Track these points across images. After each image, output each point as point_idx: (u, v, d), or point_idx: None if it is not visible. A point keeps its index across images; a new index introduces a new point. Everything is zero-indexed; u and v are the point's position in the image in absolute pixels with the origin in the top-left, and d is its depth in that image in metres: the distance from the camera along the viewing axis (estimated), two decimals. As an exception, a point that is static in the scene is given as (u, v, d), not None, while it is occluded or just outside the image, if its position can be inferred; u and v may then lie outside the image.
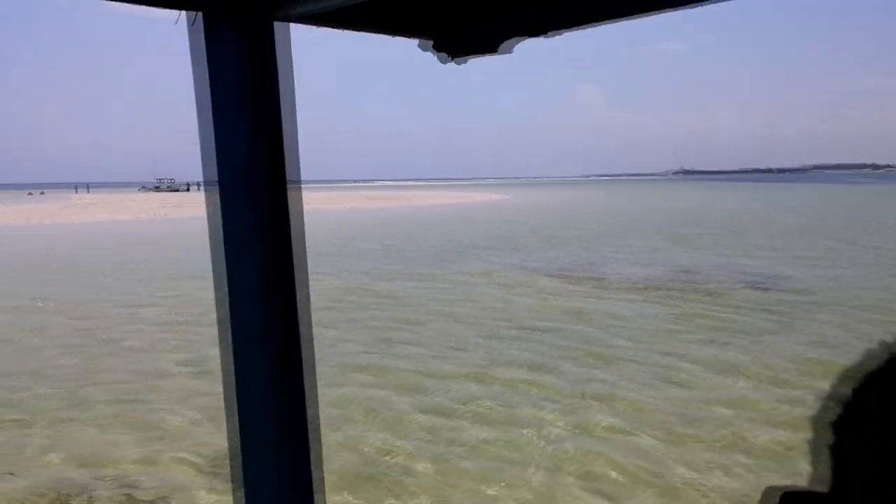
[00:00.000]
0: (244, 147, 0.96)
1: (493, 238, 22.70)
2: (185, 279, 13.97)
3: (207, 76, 0.95)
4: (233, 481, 1.03)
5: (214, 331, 1.05)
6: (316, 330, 1.09)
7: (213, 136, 0.95)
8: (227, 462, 4.90)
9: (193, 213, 43.71)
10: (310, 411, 1.04)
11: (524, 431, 5.75)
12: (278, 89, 0.98)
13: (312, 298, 1.06)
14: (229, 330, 0.99)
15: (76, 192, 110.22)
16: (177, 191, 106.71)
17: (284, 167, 0.98)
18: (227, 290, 0.98)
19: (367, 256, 17.83)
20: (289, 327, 1.00)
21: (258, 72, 0.96)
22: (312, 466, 1.04)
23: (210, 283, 1.00)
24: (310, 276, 1.03)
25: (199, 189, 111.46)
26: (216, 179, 0.96)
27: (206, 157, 0.96)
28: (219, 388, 1.03)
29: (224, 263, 0.98)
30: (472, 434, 5.70)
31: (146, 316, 10.60)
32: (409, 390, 6.83)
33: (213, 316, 1.02)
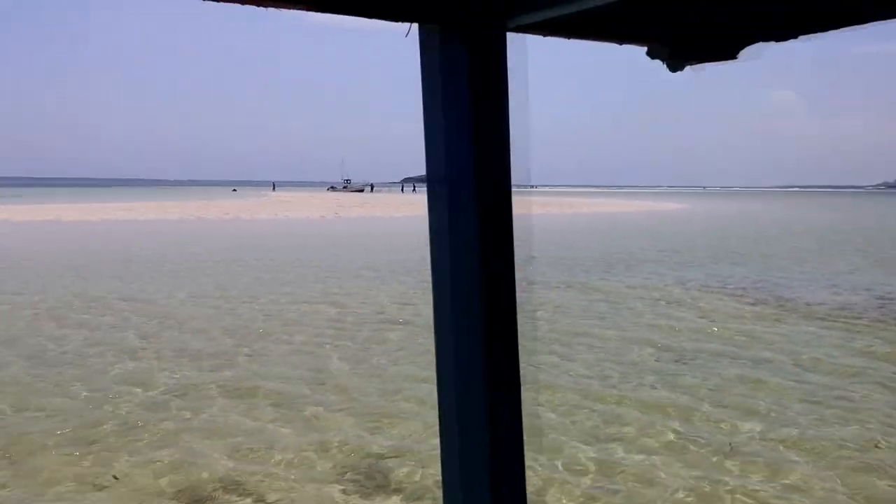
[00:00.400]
0: (469, 152, 0.99)
1: (664, 251, 21.65)
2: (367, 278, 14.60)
3: (439, 85, 0.99)
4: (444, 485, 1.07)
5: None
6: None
7: (442, 142, 1.00)
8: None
9: (368, 213, 45.82)
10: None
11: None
12: (507, 98, 1.01)
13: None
14: (449, 331, 1.03)
15: (273, 189, 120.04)
16: (361, 191, 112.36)
17: (510, 174, 1.02)
18: (448, 290, 1.03)
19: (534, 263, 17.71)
20: (508, 330, 1.04)
21: (490, 82, 1.00)
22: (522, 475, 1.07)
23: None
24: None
25: (376, 189, 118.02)
26: (439, 181, 1.01)
27: (432, 162, 1.01)
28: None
29: (446, 263, 1.02)
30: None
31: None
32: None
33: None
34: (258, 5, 0.91)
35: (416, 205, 58.18)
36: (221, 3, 0.90)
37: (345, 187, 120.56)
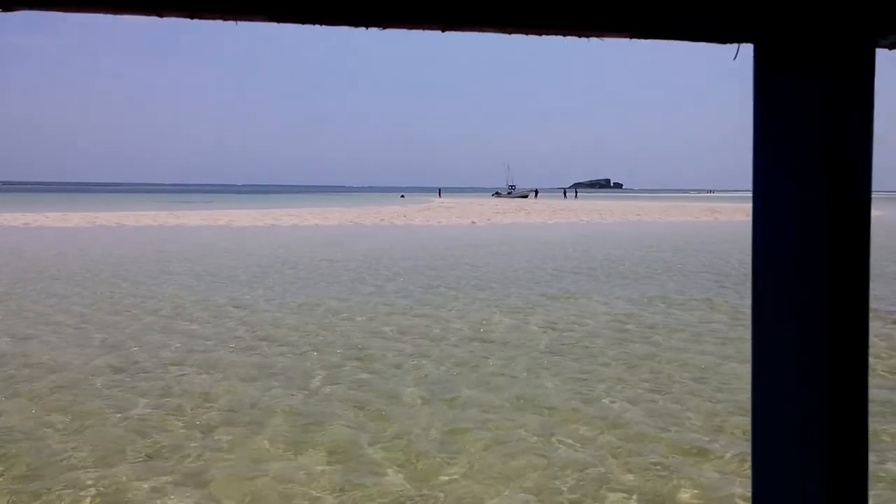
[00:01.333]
0: (820, 165, 0.96)
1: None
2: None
3: (777, 105, 0.98)
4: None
5: None
6: None
7: (783, 156, 0.98)
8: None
9: (521, 219, 45.61)
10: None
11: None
12: (871, 113, 0.98)
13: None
14: (779, 347, 0.99)
15: (440, 195, 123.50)
16: (525, 196, 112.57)
17: (868, 183, 0.99)
18: (778, 306, 0.99)
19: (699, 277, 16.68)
20: (856, 354, 0.98)
21: (848, 95, 0.96)
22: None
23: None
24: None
25: (540, 195, 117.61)
26: (776, 192, 0.99)
27: (770, 173, 0.99)
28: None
29: (780, 278, 0.99)
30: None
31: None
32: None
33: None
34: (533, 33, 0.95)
35: (573, 211, 57.18)
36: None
37: (509, 193, 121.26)
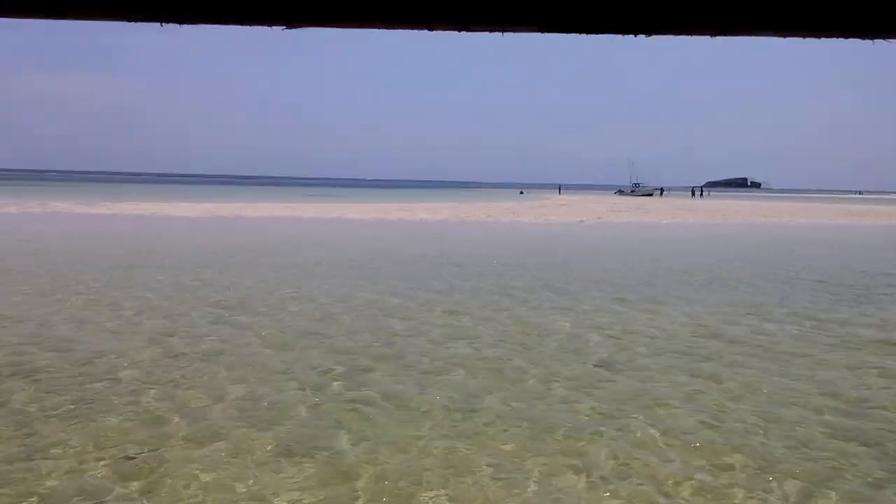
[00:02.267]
0: None
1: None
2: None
3: None
4: None
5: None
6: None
7: None
8: None
9: (636, 218, 43.58)
10: None
11: None
12: None
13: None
14: None
15: (559, 192, 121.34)
16: (650, 195, 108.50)
17: None
18: None
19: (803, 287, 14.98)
20: None
21: None
22: None
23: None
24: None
25: (666, 193, 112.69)
26: None
27: None
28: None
29: None
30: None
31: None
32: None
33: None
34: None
35: (695, 211, 54.16)
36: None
37: (633, 191, 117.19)
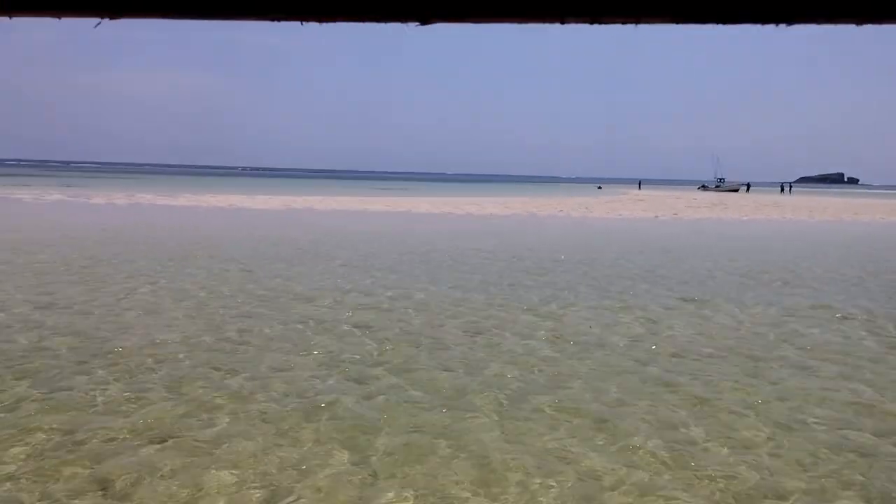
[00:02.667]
0: None
1: None
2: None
3: None
4: None
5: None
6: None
7: None
8: None
9: (715, 214, 42.02)
10: None
11: None
12: None
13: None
14: None
15: (639, 187, 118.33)
16: (735, 191, 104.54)
17: None
18: None
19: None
20: None
21: None
22: None
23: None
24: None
25: (753, 188, 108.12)
26: None
27: None
28: None
29: None
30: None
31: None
32: None
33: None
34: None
35: (780, 207, 51.78)
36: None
37: (717, 186, 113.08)
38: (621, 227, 30.08)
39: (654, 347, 8.64)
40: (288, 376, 7.11)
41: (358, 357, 7.90)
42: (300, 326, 9.33)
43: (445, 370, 7.46)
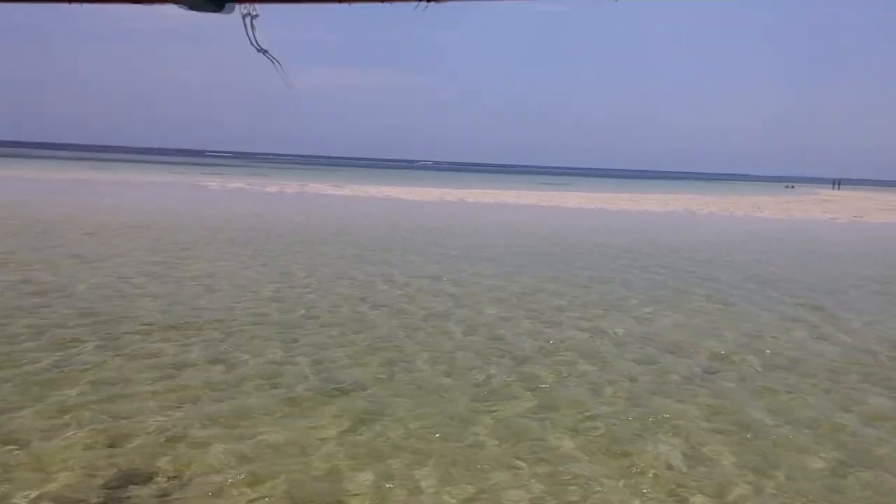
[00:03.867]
0: None
1: None
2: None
3: None
4: None
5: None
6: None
7: None
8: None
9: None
10: None
11: None
12: None
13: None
14: None
15: (836, 187, 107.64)
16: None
17: None
18: None
19: None
20: None
21: None
22: None
23: None
24: None
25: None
26: None
27: None
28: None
29: None
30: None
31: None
32: None
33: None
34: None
35: None
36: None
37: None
38: (779, 228, 27.67)
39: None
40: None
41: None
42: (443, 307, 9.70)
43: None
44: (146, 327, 8.11)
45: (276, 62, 2.61)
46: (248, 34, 2.43)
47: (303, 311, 9.31)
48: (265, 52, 2.58)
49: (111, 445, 4.91)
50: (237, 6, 2.41)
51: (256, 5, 2.38)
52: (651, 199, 45.80)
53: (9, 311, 8.54)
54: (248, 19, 2.41)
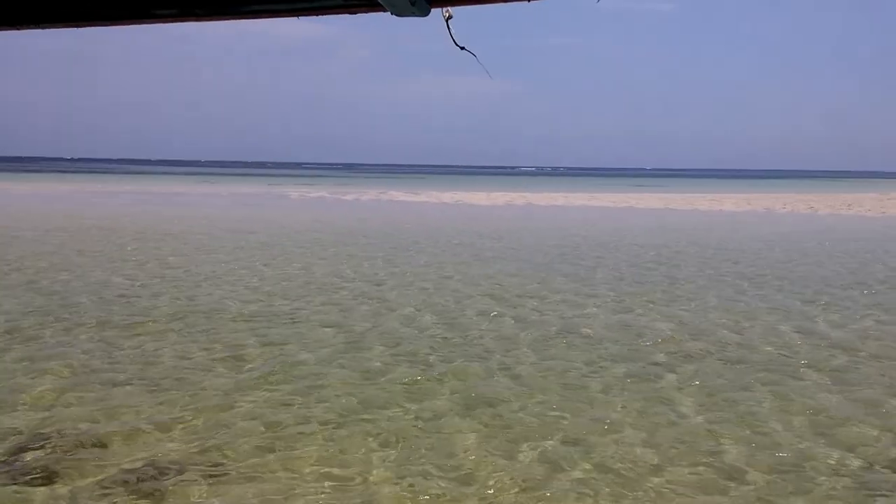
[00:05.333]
0: None
1: None
2: None
3: None
4: None
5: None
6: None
7: None
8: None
9: None
10: None
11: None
12: None
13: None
14: None
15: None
16: None
17: None
18: None
19: None
20: None
21: None
22: None
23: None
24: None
25: None
26: None
27: None
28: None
29: None
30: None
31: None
32: None
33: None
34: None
35: None
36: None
37: None
38: (852, 227, 25.88)
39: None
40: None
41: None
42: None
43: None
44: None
45: (475, 55, 2.95)
46: (449, 35, 2.74)
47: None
48: (464, 48, 2.87)
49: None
50: (437, 10, 2.72)
51: (450, 8, 2.70)
52: (735, 199, 43.62)
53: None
54: (448, 21, 2.72)
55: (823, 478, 4.61)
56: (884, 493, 4.41)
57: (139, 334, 8.06)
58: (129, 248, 15.59)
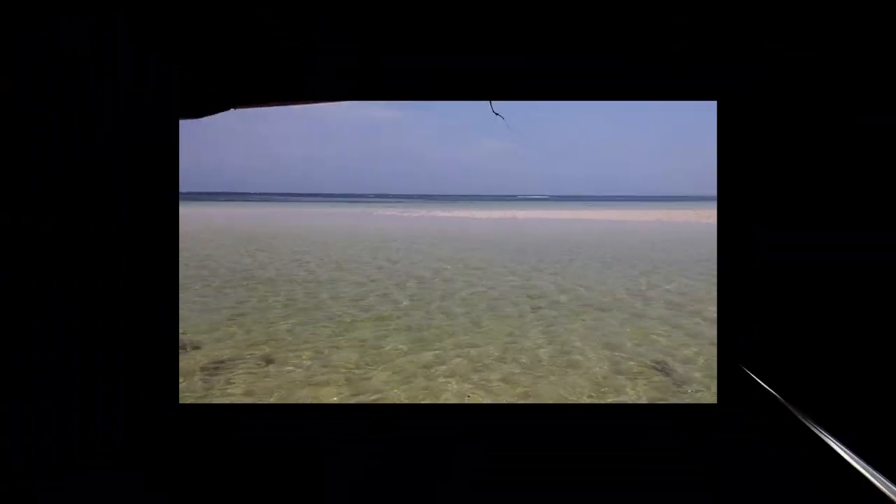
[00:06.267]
0: None
1: None
2: None
3: None
4: None
5: None
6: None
7: None
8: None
9: None
10: None
11: None
12: None
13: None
14: None
15: None
16: None
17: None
18: None
19: None
20: None
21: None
22: None
23: None
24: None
25: None
26: None
27: None
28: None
29: None
30: None
31: None
32: None
33: None
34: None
35: None
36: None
37: None
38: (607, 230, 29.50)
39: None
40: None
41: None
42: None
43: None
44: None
45: (504, 119, 3.81)
46: (490, 106, 3.44)
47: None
48: (498, 114, 3.66)
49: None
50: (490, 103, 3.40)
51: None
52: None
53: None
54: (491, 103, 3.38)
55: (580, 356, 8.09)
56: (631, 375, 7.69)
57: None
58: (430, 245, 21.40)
